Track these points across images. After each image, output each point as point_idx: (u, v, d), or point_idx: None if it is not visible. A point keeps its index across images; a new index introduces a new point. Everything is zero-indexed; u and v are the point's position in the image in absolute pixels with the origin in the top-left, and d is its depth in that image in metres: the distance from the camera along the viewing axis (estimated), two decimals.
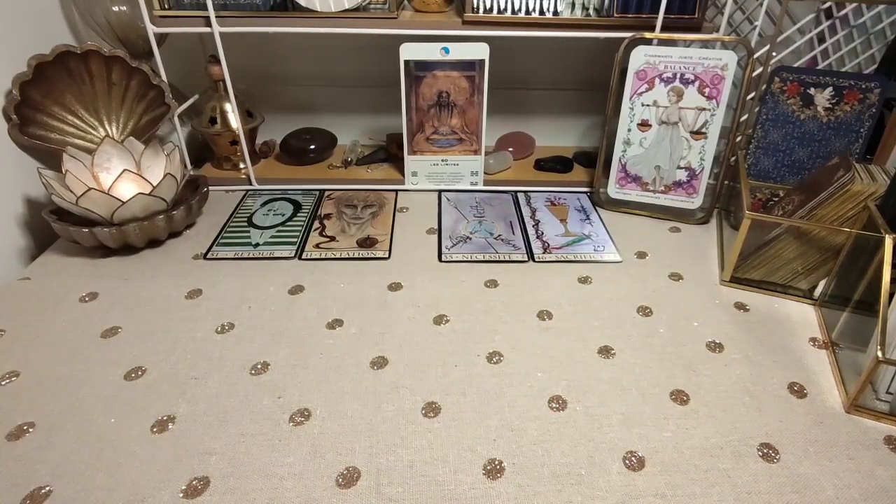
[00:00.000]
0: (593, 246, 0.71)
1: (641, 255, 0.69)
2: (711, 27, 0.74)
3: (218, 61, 0.73)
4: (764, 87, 0.70)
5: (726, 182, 0.76)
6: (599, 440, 0.44)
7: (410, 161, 0.82)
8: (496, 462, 0.42)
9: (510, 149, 0.90)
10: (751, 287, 0.63)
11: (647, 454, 0.43)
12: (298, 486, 0.40)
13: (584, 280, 0.64)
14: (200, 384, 0.49)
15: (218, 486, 0.40)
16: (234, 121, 0.80)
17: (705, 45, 0.74)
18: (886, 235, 0.50)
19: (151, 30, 0.69)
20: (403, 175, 0.83)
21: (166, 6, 0.70)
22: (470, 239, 0.72)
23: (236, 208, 0.78)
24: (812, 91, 0.67)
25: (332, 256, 0.68)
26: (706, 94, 0.70)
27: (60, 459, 0.42)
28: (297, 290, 0.61)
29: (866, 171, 0.57)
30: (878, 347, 0.45)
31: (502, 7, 0.71)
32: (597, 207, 0.80)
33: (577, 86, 0.94)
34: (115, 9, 0.75)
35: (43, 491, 0.39)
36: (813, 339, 0.56)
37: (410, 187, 0.84)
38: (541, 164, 0.88)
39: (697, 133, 0.72)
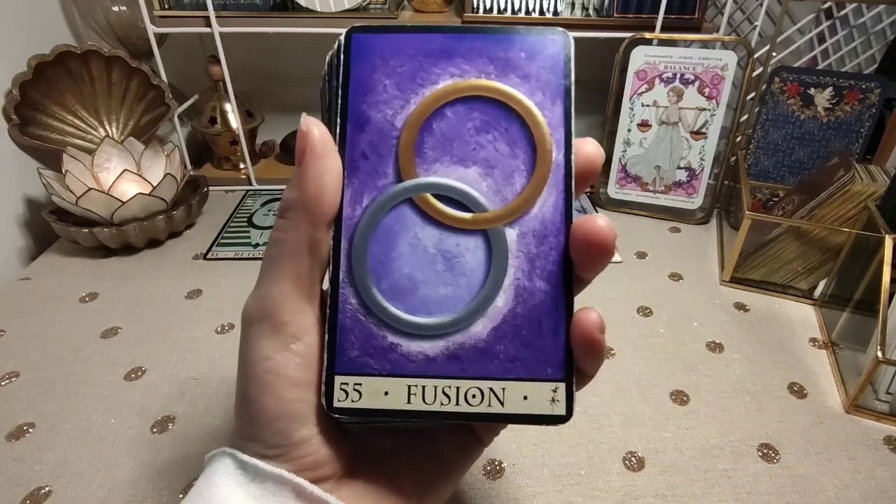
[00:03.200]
0: None
1: (641, 255, 0.69)
2: (711, 27, 0.74)
3: (218, 61, 0.73)
4: (764, 87, 0.70)
5: (726, 182, 0.77)
6: (599, 440, 0.44)
7: None
8: (496, 462, 0.42)
9: None
10: (751, 287, 0.63)
11: (647, 454, 0.43)
12: None
13: None
14: (200, 384, 0.49)
15: None
16: (234, 121, 0.80)
17: (705, 45, 0.74)
18: (886, 235, 0.50)
19: (151, 30, 0.69)
20: None
21: (166, 6, 0.70)
22: None
23: (236, 208, 0.78)
24: (812, 91, 0.67)
25: None
26: (706, 95, 0.70)
27: (60, 459, 0.42)
28: None
29: (866, 171, 0.57)
30: (878, 347, 0.45)
31: (502, 7, 0.71)
32: (597, 207, 0.80)
33: (578, 86, 0.94)
34: (115, 9, 0.75)
35: (43, 491, 0.39)
36: (813, 339, 0.56)
37: None
38: None
39: (697, 133, 0.72)
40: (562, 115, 0.21)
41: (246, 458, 0.21)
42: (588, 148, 0.22)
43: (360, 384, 0.21)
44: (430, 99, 0.21)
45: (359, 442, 0.24)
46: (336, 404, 0.21)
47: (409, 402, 0.21)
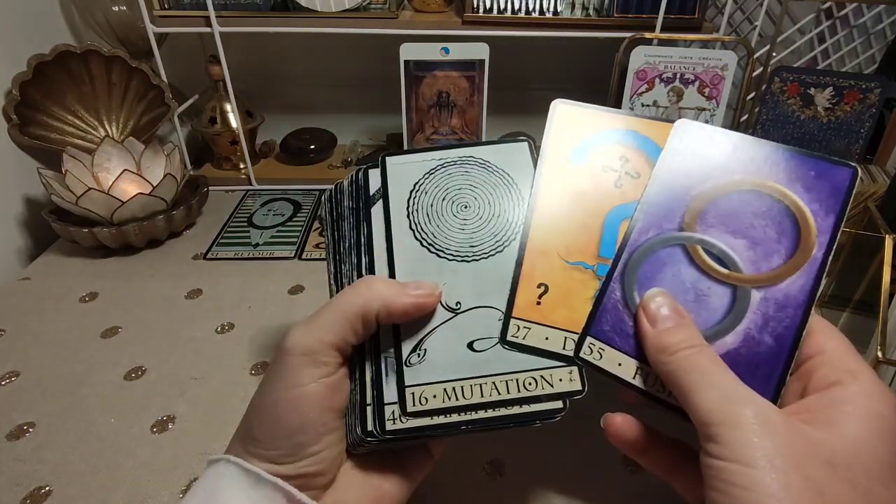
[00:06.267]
0: None
1: None
2: (711, 27, 0.74)
3: (218, 61, 0.73)
4: (764, 87, 0.70)
5: None
6: (599, 440, 0.44)
7: None
8: (496, 462, 0.42)
9: None
10: None
11: None
12: None
13: None
14: (200, 384, 0.49)
15: None
16: (234, 121, 0.80)
17: (705, 45, 0.74)
18: (886, 235, 0.50)
19: (151, 30, 0.69)
20: None
21: (166, 6, 0.70)
22: None
23: (236, 208, 0.78)
24: (812, 91, 0.67)
25: None
26: (706, 95, 0.70)
27: (60, 459, 0.42)
28: (297, 289, 0.61)
29: (866, 171, 0.57)
30: (878, 347, 0.44)
31: (502, 7, 0.71)
32: None
33: (577, 86, 0.94)
34: (115, 9, 0.75)
35: (43, 491, 0.39)
36: None
37: None
38: None
39: None
40: (832, 225, 0.26)
41: (249, 466, 0.25)
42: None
43: (603, 350, 0.27)
44: (726, 183, 0.28)
45: (350, 458, 0.30)
46: (582, 355, 0.27)
47: (633, 377, 0.27)
